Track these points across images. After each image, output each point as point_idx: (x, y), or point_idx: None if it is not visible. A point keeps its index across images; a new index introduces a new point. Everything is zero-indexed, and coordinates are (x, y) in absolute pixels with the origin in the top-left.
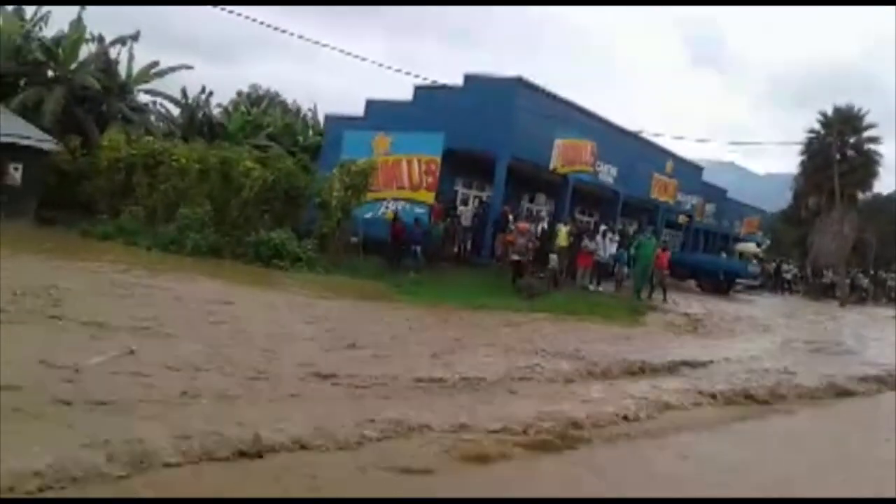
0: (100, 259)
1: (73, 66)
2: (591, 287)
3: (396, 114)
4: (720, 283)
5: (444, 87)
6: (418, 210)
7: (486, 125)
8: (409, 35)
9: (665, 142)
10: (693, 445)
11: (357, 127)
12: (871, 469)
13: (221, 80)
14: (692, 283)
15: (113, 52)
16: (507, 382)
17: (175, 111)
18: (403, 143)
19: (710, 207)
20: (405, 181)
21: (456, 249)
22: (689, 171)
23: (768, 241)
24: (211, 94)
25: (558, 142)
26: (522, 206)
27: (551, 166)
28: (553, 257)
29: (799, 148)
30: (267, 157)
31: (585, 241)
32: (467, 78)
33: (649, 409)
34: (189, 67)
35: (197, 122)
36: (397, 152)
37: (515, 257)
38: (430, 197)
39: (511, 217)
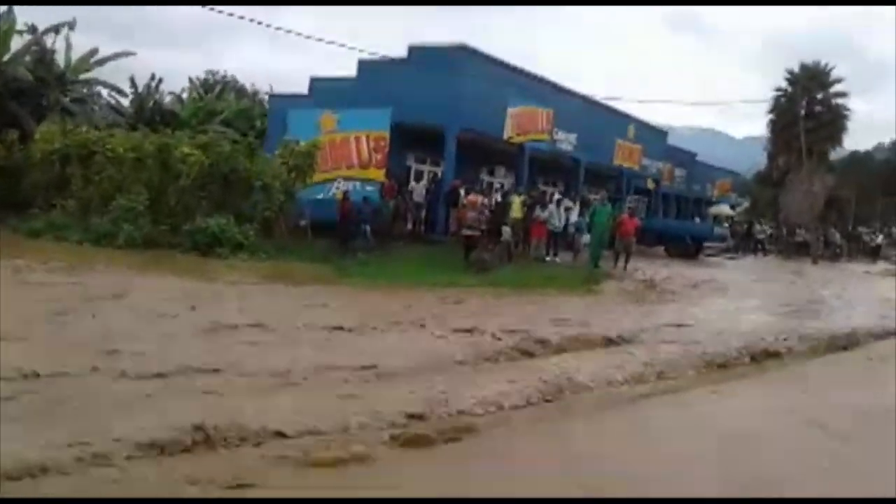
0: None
1: (6, 58)
2: (549, 259)
3: (342, 90)
4: (688, 248)
5: (389, 60)
6: (369, 188)
7: (433, 97)
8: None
9: (641, 110)
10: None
11: (302, 106)
12: None
13: (187, 68)
14: (662, 249)
15: (50, 42)
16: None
17: (125, 101)
18: (350, 120)
19: (679, 172)
20: (354, 159)
21: (410, 227)
22: (653, 136)
23: (745, 203)
24: (161, 81)
25: (511, 110)
26: (482, 179)
27: (505, 136)
28: (506, 230)
29: (767, 107)
30: (206, 141)
31: (537, 211)
32: (411, 49)
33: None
34: (131, 54)
35: (147, 111)
36: (344, 130)
37: (466, 232)
38: (380, 174)
39: (462, 191)
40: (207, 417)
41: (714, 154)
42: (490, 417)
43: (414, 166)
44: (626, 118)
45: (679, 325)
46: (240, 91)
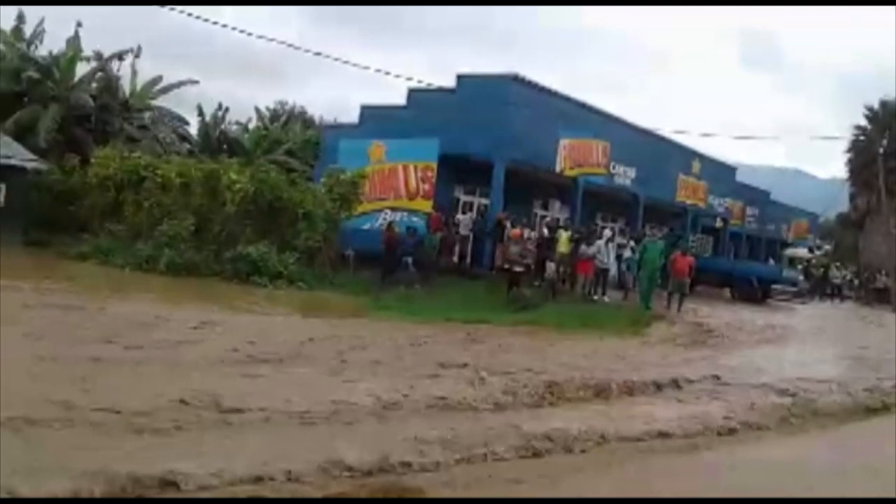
0: (50, 277)
1: (71, 84)
2: (596, 297)
3: (391, 119)
4: (754, 291)
5: (438, 89)
6: (415, 219)
7: (481, 127)
8: (450, 43)
9: (716, 148)
10: None
11: (352, 135)
12: None
13: (259, 98)
14: (727, 291)
15: (116, 68)
16: (379, 410)
17: (193, 129)
18: (398, 149)
19: (751, 211)
20: (402, 190)
21: (456, 260)
22: (720, 172)
23: (827, 247)
24: (227, 110)
25: (564, 142)
26: (534, 213)
27: (557, 168)
28: (550, 265)
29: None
30: (251, 168)
31: (583, 247)
32: (460, 78)
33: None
34: (194, 82)
35: (213, 139)
36: (392, 160)
37: (508, 266)
38: (427, 205)
39: (508, 224)
40: None
41: (798, 194)
42: None
43: (462, 198)
44: (690, 153)
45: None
46: (306, 122)
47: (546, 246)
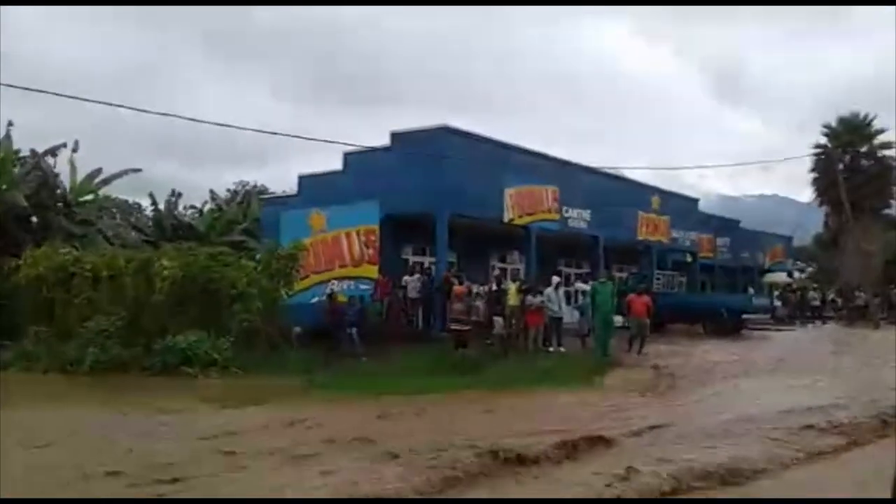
0: None
1: (4, 185)
2: (552, 349)
3: (329, 186)
4: (725, 323)
5: (374, 149)
6: (363, 287)
7: (420, 183)
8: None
9: (696, 184)
10: None
11: (292, 206)
12: None
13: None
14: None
15: (54, 164)
16: None
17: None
18: (339, 217)
19: (722, 241)
20: (346, 257)
21: (406, 325)
22: (682, 206)
23: (809, 269)
24: (180, 195)
25: (509, 191)
26: (493, 265)
27: (506, 218)
28: (498, 321)
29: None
30: (182, 251)
31: (528, 297)
32: (394, 136)
33: None
34: (136, 170)
35: (167, 226)
36: (334, 228)
37: (453, 326)
38: (373, 271)
39: (455, 281)
40: None
41: (781, 219)
42: None
43: (411, 258)
44: (648, 189)
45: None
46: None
47: (496, 300)
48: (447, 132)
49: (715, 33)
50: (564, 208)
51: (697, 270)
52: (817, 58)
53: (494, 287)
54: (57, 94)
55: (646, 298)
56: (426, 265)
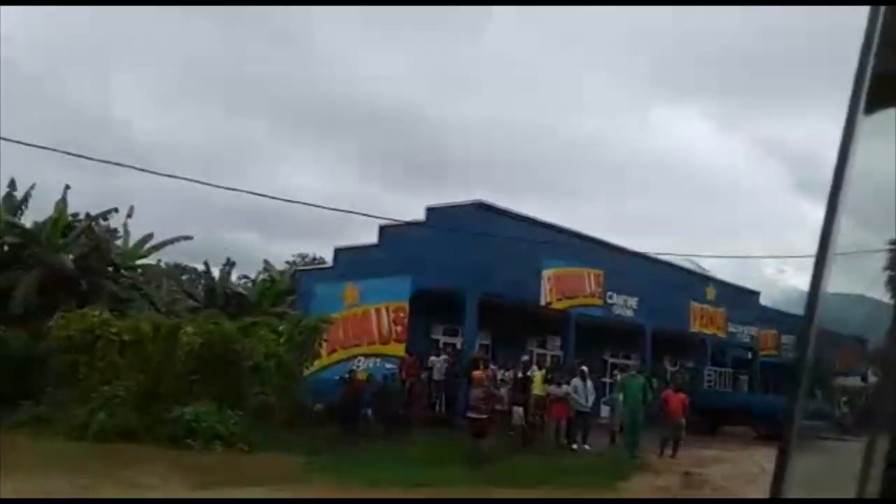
0: None
1: (56, 246)
2: (575, 445)
3: (364, 259)
4: (778, 428)
5: (409, 223)
6: (389, 366)
7: (452, 260)
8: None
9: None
10: None
11: (327, 279)
12: None
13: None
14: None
15: (107, 228)
16: None
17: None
18: (371, 290)
19: (788, 339)
20: (374, 334)
21: (429, 408)
22: (740, 298)
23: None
24: (234, 264)
25: (548, 272)
26: (530, 350)
27: (543, 301)
28: (517, 410)
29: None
30: (203, 318)
31: (552, 387)
32: (429, 211)
33: None
34: (188, 238)
35: (219, 295)
36: (366, 302)
37: (471, 414)
38: (400, 349)
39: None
40: None
41: (862, 320)
42: None
43: (442, 339)
44: (703, 279)
45: None
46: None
47: (521, 388)
48: (481, 208)
49: (793, 124)
50: (609, 294)
51: (758, 368)
52: None
53: (521, 374)
54: (105, 162)
55: (682, 397)
56: (457, 346)
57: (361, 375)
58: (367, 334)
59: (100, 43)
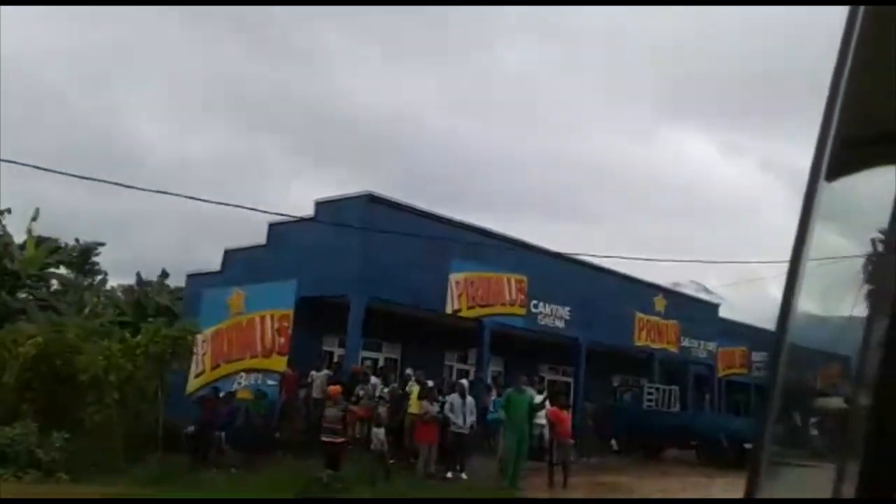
0: None
1: None
2: (451, 474)
3: (252, 261)
4: (723, 452)
5: (298, 220)
6: (270, 382)
7: (339, 261)
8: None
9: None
10: None
11: (215, 284)
12: None
13: None
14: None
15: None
16: None
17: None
18: (256, 297)
19: (759, 356)
20: (257, 346)
21: (306, 430)
22: (697, 311)
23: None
24: (168, 275)
25: (456, 277)
26: (448, 366)
27: (449, 309)
28: (377, 433)
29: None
30: (48, 325)
31: (424, 404)
32: (318, 205)
33: None
34: (101, 244)
35: (150, 307)
36: (251, 310)
37: (324, 437)
38: (281, 363)
39: (374, 380)
40: None
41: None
42: None
43: (337, 351)
44: (651, 288)
45: None
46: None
47: (397, 406)
48: (371, 201)
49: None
50: (534, 302)
51: (719, 388)
52: None
53: (394, 388)
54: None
55: (567, 415)
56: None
57: (244, 394)
58: (250, 346)
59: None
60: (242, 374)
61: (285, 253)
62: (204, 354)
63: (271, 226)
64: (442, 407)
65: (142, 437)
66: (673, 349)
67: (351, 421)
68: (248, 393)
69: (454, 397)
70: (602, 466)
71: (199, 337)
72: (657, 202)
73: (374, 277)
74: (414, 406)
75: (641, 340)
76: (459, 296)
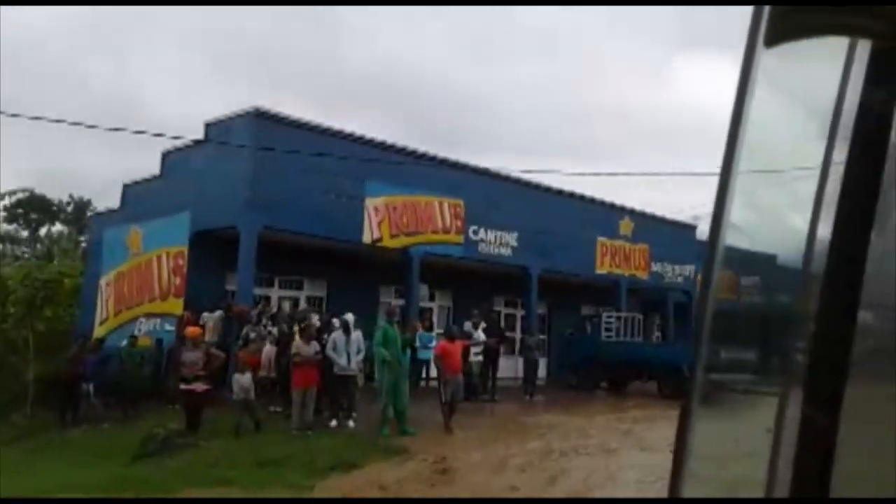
0: None
1: None
2: (335, 422)
3: (148, 195)
4: (685, 382)
5: (190, 144)
6: (168, 327)
7: (230, 187)
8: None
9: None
10: None
11: (115, 222)
12: None
13: None
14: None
15: None
16: None
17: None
18: (152, 234)
19: (750, 281)
20: (155, 288)
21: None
22: (669, 233)
23: None
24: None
25: (374, 201)
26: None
27: (368, 237)
28: (240, 379)
29: None
30: None
31: (299, 343)
32: (208, 126)
33: None
34: (25, 191)
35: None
36: (148, 249)
37: (182, 386)
38: (178, 306)
39: (260, 317)
40: None
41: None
42: None
43: (255, 291)
44: (615, 210)
45: None
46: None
47: (284, 348)
48: (262, 119)
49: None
50: (472, 228)
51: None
52: None
53: (284, 329)
54: None
55: (459, 345)
56: (260, 299)
57: (144, 341)
58: (148, 289)
59: None
60: (142, 319)
61: (179, 183)
62: (108, 299)
63: (165, 154)
64: (323, 347)
65: (12, 392)
66: (643, 275)
67: (217, 366)
68: (148, 340)
69: (337, 334)
70: (543, 403)
71: (103, 280)
72: (675, 137)
73: (268, 203)
74: (295, 346)
75: (605, 267)
76: (380, 223)
